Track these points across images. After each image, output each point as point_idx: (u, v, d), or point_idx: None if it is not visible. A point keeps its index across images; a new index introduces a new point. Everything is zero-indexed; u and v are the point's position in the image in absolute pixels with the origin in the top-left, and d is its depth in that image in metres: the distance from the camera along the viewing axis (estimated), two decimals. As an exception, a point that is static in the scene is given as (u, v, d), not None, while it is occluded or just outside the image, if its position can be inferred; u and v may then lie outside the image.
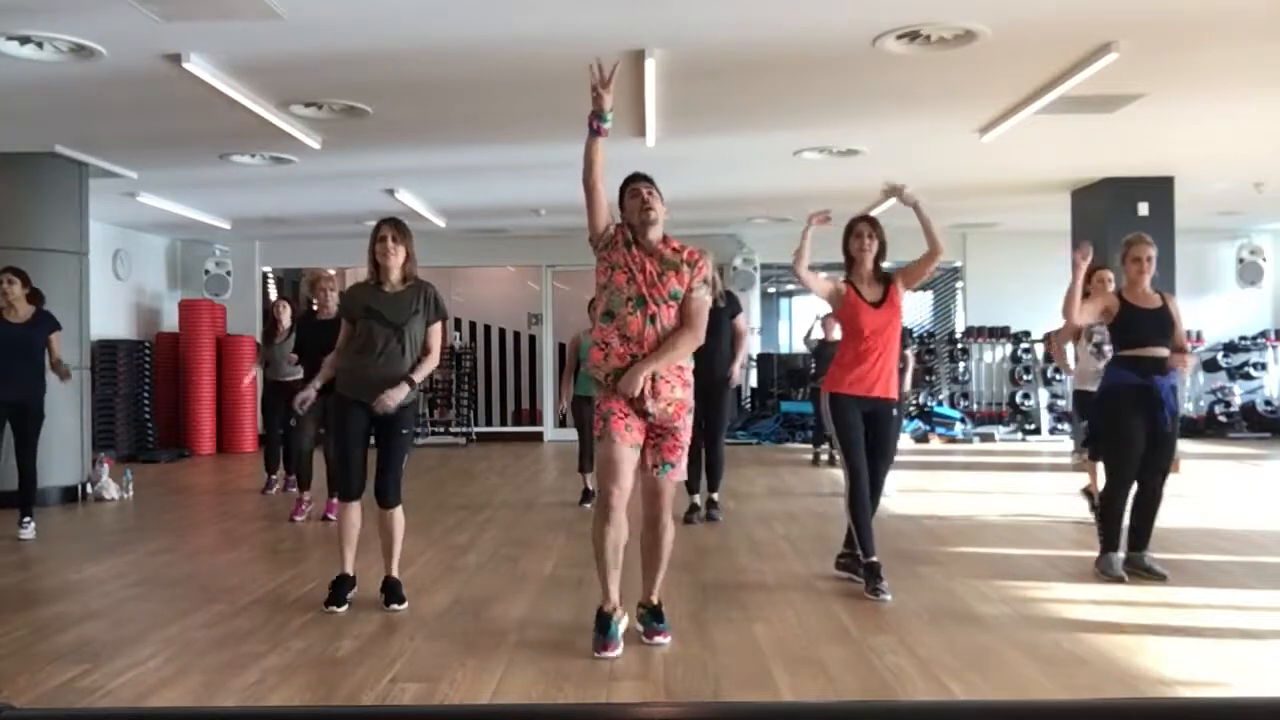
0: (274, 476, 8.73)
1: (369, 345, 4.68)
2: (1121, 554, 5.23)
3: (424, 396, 13.48)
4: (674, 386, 4.03)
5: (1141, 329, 5.19)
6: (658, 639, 4.09)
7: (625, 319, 4.00)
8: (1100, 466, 6.47)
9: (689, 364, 4.13)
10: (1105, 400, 5.37)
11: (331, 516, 6.99)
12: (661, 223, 4.13)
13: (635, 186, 4.16)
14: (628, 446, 4.00)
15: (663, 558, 4.19)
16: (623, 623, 4.11)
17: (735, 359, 6.96)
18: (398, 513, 4.78)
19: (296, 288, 14.04)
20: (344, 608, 4.70)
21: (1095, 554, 5.56)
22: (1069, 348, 7.05)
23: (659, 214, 4.11)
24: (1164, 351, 5.18)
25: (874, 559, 4.90)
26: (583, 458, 7.80)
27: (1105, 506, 5.31)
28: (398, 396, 4.66)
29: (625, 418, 4.00)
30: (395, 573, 4.82)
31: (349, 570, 4.83)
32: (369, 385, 4.67)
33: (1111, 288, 6.01)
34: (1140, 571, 5.17)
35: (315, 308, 7.32)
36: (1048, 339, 7.60)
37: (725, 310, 6.76)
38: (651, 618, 4.16)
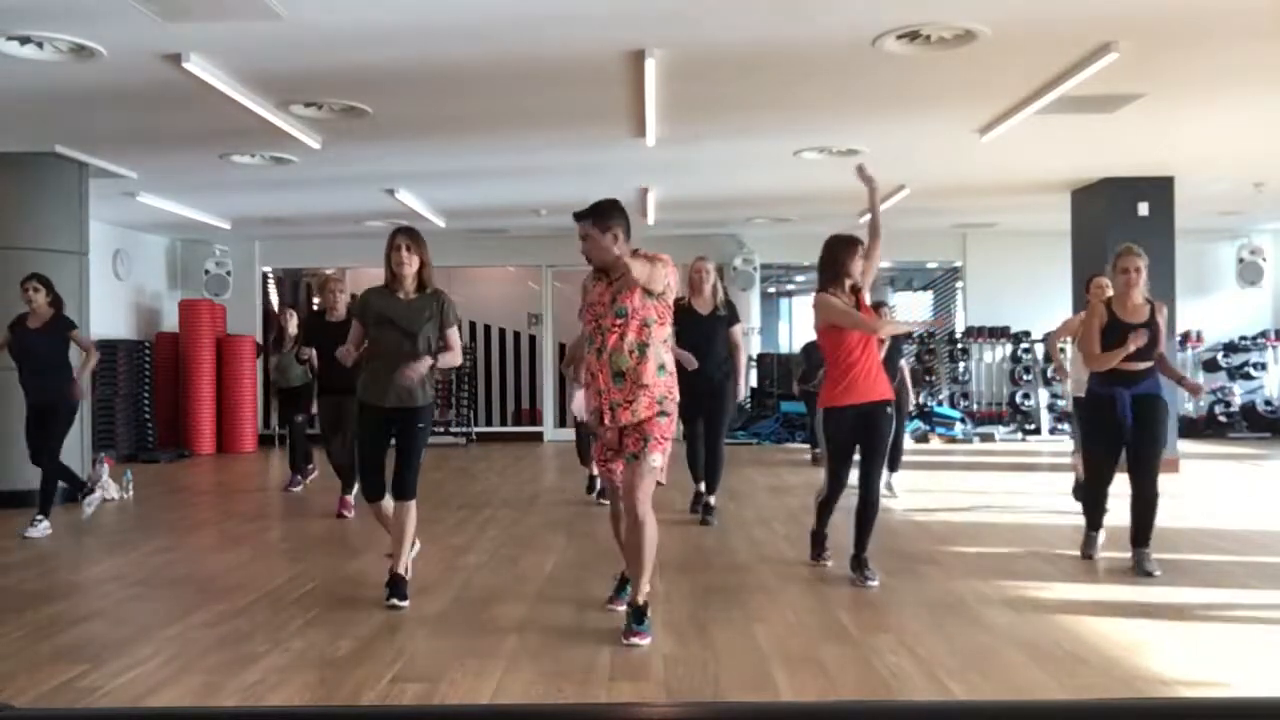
0: (298, 475, 8.88)
1: (384, 351, 4.81)
2: (1102, 536, 5.57)
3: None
4: (635, 410, 4.12)
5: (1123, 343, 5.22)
6: (634, 639, 4.08)
7: (588, 359, 4.22)
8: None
9: (656, 382, 4.14)
10: (1083, 407, 5.65)
11: (346, 513, 7.26)
12: (610, 256, 4.10)
13: (579, 228, 4.18)
14: (615, 476, 4.33)
15: (644, 555, 4.18)
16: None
17: (737, 372, 7.01)
18: (412, 505, 4.91)
19: (298, 292, 14.09)
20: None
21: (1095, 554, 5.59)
22: (1068, 351, 7.07)
23: (603, 258, 4.12)
24: (1145, 365, 5.19)
25: (823, 532, 5.50)
26: (581, 451, 8.05)
27: (1084, 494, 5.79)
28: (420, 369, 4.75)
29: (605, 463, 4.37)
30: (403, 569, 4.87)
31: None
32: (387, 390, 4.79)
33: (1109, 294, 6.00)
34: (1135, 569, 5.27)
35: (324, 309, 7.40)
36: (1048, 339, 7.71)
37: (724, 319, 6.86)
38: (633, 618, 4.16)
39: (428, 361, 4.80)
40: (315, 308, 7.62)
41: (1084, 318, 5.69)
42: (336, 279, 7.51)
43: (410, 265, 4.82)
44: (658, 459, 4.16)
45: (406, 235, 4.88)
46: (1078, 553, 5.78)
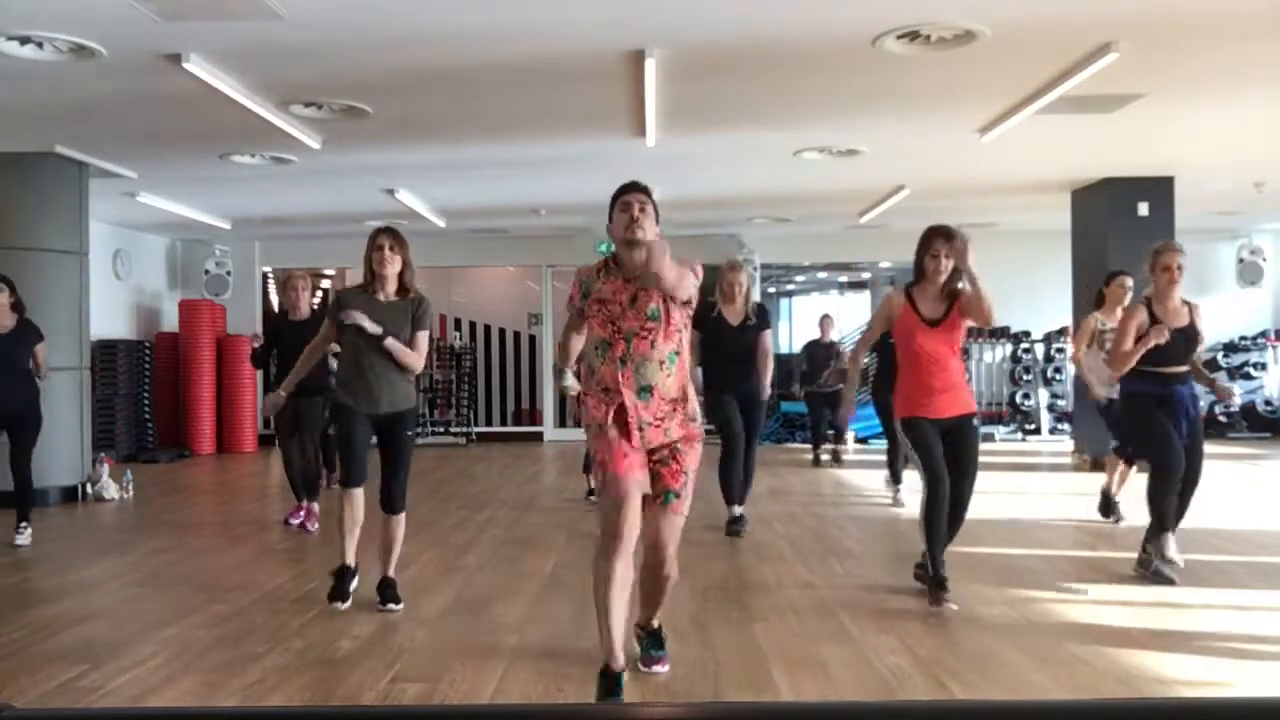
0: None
1: (362, 355, 4.67)
2: (1173, 536, 5.04)
3: (424, 396, 13.48)
4: (668, 430, 3.52)
5: (1165, 348, 4.99)
6: (656, 667, 3.78)
7: (600, 371, 3.54)
8: (1119, 466, 6.56)
9: (688, 398, 3.59)
10: (1131, 404, 5.26)
11: (293, 522, 6.99)
12: (649, 240, 3.47)
13: (627, 199, 3.53)
14: (634, 481, 3.46)
15: (665, 593, 3.78)
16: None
17: (764, 376, 6.73)
18: (401, 519, 4.80)
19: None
20: (347, 603, 4.72)
21: (1094, 554, 5.57)
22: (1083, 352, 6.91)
23: (647, 236, 3.47)
24: (1186, 368, 5.09)
25: (942, 574, 4.67)
26: (588, 457, 7.84)
27: (1152, 497, 5.10)
28: (375, 329, 4.58)
29: (627, 455, 3.48)
30: (393, 573, 4.81)
31: (350, 561, 4.82)
32: (369, 396, 4.69)
33: (1129, 296, 5.92)
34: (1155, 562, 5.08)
35: (286, 309, 7.16)
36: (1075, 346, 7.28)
37: (754, 328, 6.62)
38: (651, 644, 3.84)
39: (389, 340, 4.62)
40: (278, 307, 7.39)
41: (1121, 317, 5.39)
42: (300, 276, 7.23)
43: (392, 265, 4.67)
44: (688, 496, 3.59)
45: (389, 235, 4.70)
46: (1079, 553, 5.77)
